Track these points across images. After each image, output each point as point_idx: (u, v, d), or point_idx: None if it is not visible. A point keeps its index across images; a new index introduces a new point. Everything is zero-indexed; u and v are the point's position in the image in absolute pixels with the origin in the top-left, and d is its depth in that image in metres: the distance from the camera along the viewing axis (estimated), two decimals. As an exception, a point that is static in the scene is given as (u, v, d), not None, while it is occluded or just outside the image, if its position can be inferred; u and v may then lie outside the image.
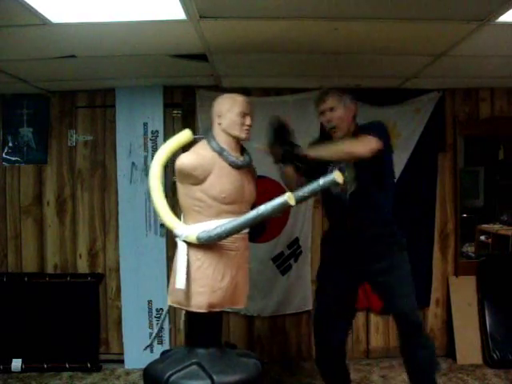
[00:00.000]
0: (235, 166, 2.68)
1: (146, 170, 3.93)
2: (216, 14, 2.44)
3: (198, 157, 2.61)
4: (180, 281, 2.57)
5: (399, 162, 4.00)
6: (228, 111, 2.67)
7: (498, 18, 2.47)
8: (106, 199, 4.10)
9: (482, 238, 5.32)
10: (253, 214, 2.44)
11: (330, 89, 2.91)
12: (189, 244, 2.61)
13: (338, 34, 2.75)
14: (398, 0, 2.31)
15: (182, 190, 2.69)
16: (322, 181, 2.30)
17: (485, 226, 5.32)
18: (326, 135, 3.29)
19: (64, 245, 4.11)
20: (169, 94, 4.04)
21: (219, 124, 2.69)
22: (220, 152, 2.65)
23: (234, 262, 2.71)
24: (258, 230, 3.91)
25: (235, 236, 2.62)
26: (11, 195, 4.11)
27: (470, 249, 5.05)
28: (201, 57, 3.19)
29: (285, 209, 2.39)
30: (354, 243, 2.82)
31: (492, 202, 5.40)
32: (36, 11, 2.31)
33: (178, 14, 2.40)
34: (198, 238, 2.56)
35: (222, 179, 2.63)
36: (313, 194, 2.38)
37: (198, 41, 2.84)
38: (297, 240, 4.07)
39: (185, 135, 2.80)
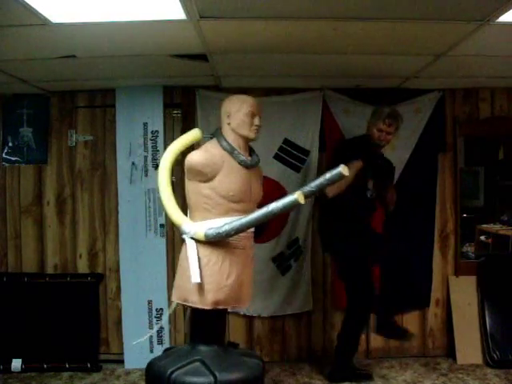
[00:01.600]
0: (245, 166, 2.71)
1: (145, 170, 3.95)
2: (216, 14, 2.44)
3: (208, 154, 2.65)
4: (195, 275, 2.58)
5: (399, 162, 4.01)
6: (237, 111, 2.71)
7: (498, 18, 2.47)
8: (106, 199, 4.10)
9: (482, 238, 5.32)
10: (263, 211, 2.48)
11: (398, 113, 3.42)
12: (196, 241, 2.63)
13: (338, 34, 2.75)
14: (398, 0, 2.31)
15: (191, 187, 2.72)
16: (328, 175, 2.42)
17: (485, 226, 5.31)
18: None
19: (64, 245, 4.10)
20: (169, 94, 4.04)
21: (228, 124, 2.73)
22: (231, 151, 2.69)
23: (240, 260, 2.73)
24: (258, 230, 3.89)
25: (242, 234, 2.64)
26: (11, 195, 4.11)
27: (470, 249, 5.05)
28: (201, 57, 3.19)
29: (294, 207, 2.49)
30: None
31: (492, 202, 5.40)
32: (36, 11, 2.31)
33: (178, 14, 2.40)
34: (206, 235, 2.58)
35: (231, 178, 2.66)
36: (320, 188, 2.49)
37: (197, 41, 2.84)
38: (297, 240, 4.06)
39: (194, 134, 2.86)
